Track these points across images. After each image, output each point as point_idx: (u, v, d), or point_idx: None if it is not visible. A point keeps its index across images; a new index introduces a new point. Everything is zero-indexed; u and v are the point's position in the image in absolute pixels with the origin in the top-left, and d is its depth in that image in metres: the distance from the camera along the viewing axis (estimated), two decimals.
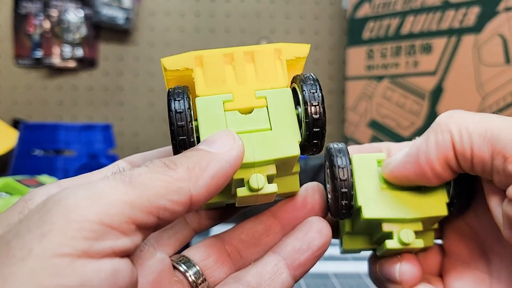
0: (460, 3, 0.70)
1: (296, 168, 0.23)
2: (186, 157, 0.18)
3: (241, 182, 0.21)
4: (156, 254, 0.22)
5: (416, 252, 0.24)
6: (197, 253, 0.24)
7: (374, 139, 0.84)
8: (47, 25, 1.00)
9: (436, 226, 0.24)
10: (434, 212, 0.22)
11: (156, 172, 0.17)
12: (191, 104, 0.21)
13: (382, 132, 0.83)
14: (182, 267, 0.23)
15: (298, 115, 0.22)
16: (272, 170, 0.21)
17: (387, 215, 0.22)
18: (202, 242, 0.24)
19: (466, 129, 0.20)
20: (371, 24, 0.84)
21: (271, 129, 0.21)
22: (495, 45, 0.66)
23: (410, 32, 0.78)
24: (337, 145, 0.23)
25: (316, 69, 1.03)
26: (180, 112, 0.20)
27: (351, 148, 0.25)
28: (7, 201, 0.37)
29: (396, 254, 0.23)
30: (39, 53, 1.00)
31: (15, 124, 0.96)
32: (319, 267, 0.50)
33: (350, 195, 0.22)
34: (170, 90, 0.21)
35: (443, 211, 0.22)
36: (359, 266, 0.52)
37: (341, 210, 0.23)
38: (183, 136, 0.20)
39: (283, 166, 0.22)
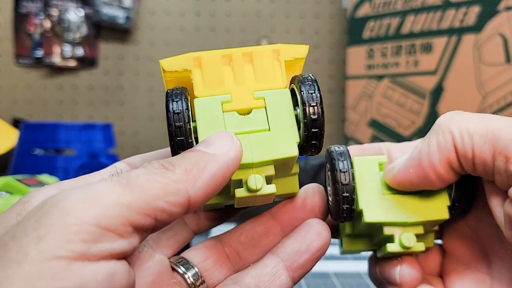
0: (460, 2, 0.70)
1: (295, 169, 0.23)
2: (184, 158, 0.18)
3: (239, 183, 0.21)
4: (155, 256, 0.22)
5: (416, 254, 0.24)
6: (196, 254, 0.24)
7: (374, 139, 0.84)
8: (47, 24, 1.00)
9: (436, 228, 0.24)
10: (436, 216, 0.22)
11: (154, 174, 0.17)
12: (190, 105, 0.21)
13: (382, 131, 0.83)
14: (181, 269, 0.23)
15: (296, 116, 0.22)
16: (270, 171, 0.21)
17: (388, 219, 0.22)
18: (201, 244, 0.24)
19: (466, 130, 0.20)
20: (372, 24, 0.84)
21: (269, 130, 0.21)
22: (495, 44, 0.66)
23: (410, 31, 0.78)
24: (338, 148, 0.23)
25: (316, 69, 1.03)
26: (178, 113, 0.20)
27: (351, 149, 0.25)
28: (7, 200, 0.37)
29: (396, 256, 0.23)
30: (39, 53, 1.00)
31: (16, 123, 0.96)
32: (320, 266, 0.49)
33: (351, 199, 0.22)
34: (169, 91, 0.21)
35: (444, 214, 0.22)
36: (360, 265, 0.52)
37: (342, 214, 0.22)
38: (181, 137, 0.20)
39: (282, 167, 0.22)
